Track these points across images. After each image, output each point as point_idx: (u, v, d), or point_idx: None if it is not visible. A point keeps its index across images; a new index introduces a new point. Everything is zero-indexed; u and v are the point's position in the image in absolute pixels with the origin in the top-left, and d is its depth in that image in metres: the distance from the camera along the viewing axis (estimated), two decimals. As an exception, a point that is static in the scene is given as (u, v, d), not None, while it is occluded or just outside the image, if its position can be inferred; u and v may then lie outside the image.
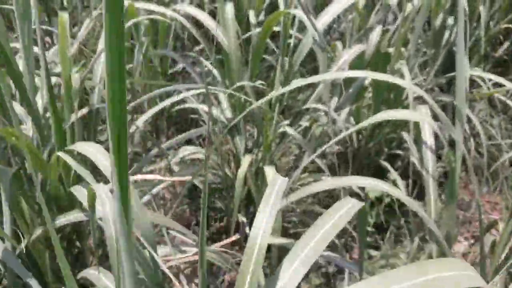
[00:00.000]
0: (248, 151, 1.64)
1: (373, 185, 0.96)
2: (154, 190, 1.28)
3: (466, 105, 1.47)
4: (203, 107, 1.57)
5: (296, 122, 1.61)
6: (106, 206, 0.77)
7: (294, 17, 1.74)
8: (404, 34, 1.79)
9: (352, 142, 2.06)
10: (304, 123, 1.57)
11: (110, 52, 0.47)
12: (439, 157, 2.12)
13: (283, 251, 1.08)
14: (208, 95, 0.95)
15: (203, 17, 1.53)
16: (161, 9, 1.54)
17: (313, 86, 2.04)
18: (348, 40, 1.98)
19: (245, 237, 1.62)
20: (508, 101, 1.82)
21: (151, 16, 1.54)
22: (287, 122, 1.66)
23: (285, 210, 1.65)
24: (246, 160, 1.38)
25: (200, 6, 2.20)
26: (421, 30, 1.87)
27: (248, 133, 1.77)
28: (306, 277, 1.61)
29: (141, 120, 1.31)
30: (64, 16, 1.05)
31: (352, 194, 1.63)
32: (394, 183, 1.79)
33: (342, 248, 1.50)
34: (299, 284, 0.74)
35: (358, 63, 1.70)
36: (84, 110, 1.14)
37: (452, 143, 1.13)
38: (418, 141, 1.57)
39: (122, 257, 0.59)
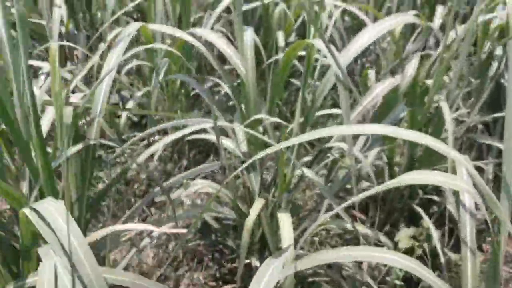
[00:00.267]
0: (264, 188, 1.48)
1: (395, 262, 0.78)
2: (155, 233, 1.15)
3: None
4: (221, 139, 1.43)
5: (317, 161, 1.44)
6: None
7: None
8: (445, 65, 1.59)
9: (383, 180, 1.87)
10: (327, 161, 1.40)
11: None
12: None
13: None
14: (217, 130, 0.80)
15: (220, 42, 1.39)
16: (178, 32, 1.41)
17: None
18: (384, 67, 1.80)
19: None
20: None
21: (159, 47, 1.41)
22: (307, 159, 1.49)
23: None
24: (257, 206, 1.22)
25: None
26: (465, 59, 1.67)
27: (265, 167, 1.61)
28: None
29: (146, 154, 1.18)
30: (54, 48, 0.93)
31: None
32: (428, 232, 1.58)
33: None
34: None
35: (392, 96, 1.52)
36: (73, 149, 1.01)
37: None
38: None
39: None
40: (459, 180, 0.81)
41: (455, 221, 1.39)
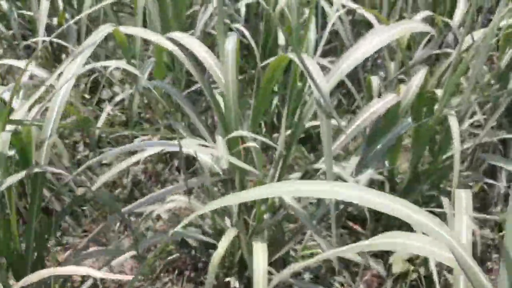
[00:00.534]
0: (246, 207, 1.34)
1: None
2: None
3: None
4: (198, 154, 1.29)
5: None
6: None
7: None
8: (458, 74, 1.40)
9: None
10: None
11: None
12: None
13: None
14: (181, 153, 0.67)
15: (200, 49, 1.23)
16: (154, 37, 1.26)
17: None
18: (391, 72, 1.61)
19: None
20: None
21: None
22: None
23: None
24: (227, 238, 1.08)
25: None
26: (481, 68, 1.47)
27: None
28: None
29: (102, 180, 1.05)
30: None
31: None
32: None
33: None
34: None
35: (394, 111, 1.34)
36: (11, 179, 0.88)
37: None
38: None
39: None
40: (445, 247, 0.65)
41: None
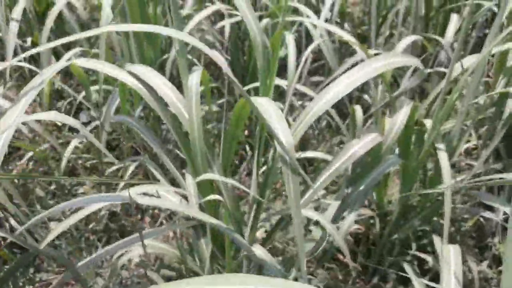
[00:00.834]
0: (220, 251, 1.21)
1: None
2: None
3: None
4: (166, 198, 1.15)
5: (281, 228, 1.15)
6: None
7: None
8: (448, 107, 1.27)
9: (373, 227, 1.57)
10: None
11: None
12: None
13: None
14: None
15: (161, 84, 1.10)
16: (114, 71, 1.12)
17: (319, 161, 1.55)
18: (376, 101, 1.48)
19: None
20: None
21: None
22: (261, 232, 1.21)
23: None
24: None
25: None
26: (472, 98, 1.34)
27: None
28: None
29: (52, 235, 0.91)
30: None
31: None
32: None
33: None
34: None
35: (377, 148, 1.21)
36: None
37: None
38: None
39: None
40: None
41: None
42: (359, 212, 1.21)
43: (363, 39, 2.39)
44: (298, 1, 2.32)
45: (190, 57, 1.73)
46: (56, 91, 2.19)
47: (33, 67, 1.68)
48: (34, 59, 2.13)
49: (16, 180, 1.52)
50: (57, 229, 0.88)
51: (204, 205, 1.13)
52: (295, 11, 1.94)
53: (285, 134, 0.80)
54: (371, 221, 1.58)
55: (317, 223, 1.24)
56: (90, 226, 1.72)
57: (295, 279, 1.12)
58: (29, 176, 1.31)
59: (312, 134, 2.05)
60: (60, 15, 1.98)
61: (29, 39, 2.06)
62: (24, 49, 1.97)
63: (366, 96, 2.13)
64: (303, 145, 2.00)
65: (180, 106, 1.09)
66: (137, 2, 1.51)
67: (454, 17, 2.21)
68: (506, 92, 1.43)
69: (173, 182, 1.30)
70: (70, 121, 1.01)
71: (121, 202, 0.96)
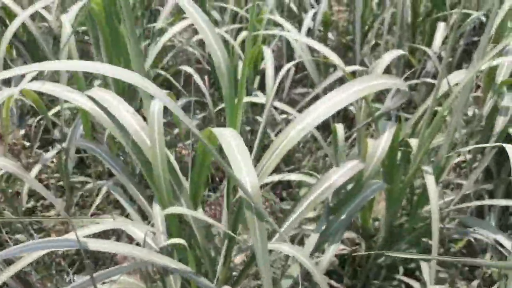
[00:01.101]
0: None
1: None
2: None
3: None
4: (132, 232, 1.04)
5: (253, 266, 1.04)
6: None
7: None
8: (436, 127, 1.17)
9: (359, 247, 1.47)
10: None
11: None
12: None
13: None
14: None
15: (122, 109, 0.99)
16: (69, 93, 1.01)
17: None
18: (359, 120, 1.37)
19: None
20: None
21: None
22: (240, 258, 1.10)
23: None
24: None
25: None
26: (460, 117, 1.24)
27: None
28: None
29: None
30: None
31: None
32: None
33: None
34: None
35: (360, 174, 1.11)
36: None
37: None
38: None
39: None
40: None
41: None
42: (343, 238, 1.11)
43: (348, 48, 2.29)
44: (281, 10, 2.22)
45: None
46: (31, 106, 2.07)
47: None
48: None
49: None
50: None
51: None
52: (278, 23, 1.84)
53: (250, 176, 0.69)
54: (357, 240, 1.48)
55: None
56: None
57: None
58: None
59: (296, 146, 1.95)
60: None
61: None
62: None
63: (351, 107, 2.03)
64: (287, 157, 1.89)
65: (143, 133, 0.98)
66: (105, 19, 1.40)
67: (441, 26, 2.12)
68: (496, 107, 1.34)
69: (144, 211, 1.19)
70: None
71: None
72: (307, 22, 1.89)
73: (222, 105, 1.73)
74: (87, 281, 0.86)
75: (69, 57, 1.35)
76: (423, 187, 1.32)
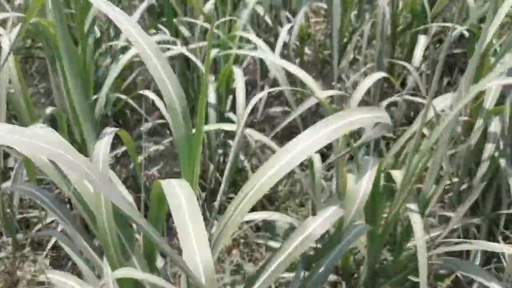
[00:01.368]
0: None
1: None
2: None
3: None
4: None
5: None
6: None
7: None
8: (423, 160, 1.04)
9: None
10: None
11: None
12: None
13: None
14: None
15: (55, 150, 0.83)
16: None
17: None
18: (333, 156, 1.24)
19: None
20: None
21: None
22: None
23: None
24: None
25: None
26: (446, 148, 1.11)
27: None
28: None
29: None
30: None
31: None
32: None
33: None
34: None
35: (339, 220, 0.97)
36: None
37: None
38: None
39: None
40: None
41: None
42: None
43: (326, 63, 2.16)
44: (257, 24, 2.07)
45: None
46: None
47: None
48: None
49: None
50: None
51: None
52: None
53: (202, 253, 0.54)
54: (337, 280, 1.35)
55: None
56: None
57: None
58: None
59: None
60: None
61: None
62: None
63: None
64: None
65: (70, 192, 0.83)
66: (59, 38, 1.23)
67: (421, 39, 2.01)
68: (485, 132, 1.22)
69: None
70: None
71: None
72: (283, 36, 1.75)
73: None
74: None
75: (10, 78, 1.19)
76: (407, 221, 1.20)
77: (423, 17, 2.03)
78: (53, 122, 1.57)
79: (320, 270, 0.93)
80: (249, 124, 1.99)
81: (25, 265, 1.31)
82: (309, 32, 2.18)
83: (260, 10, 1.93)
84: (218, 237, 0.78)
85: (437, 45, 2.39)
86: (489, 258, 1.42)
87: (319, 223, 0.84)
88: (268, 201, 1.63)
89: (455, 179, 1.22)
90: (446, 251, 1.10)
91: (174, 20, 1.52)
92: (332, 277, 1.23)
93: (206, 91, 0.70)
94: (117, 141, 1.95)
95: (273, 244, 1.34)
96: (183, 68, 1.73)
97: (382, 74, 1.19)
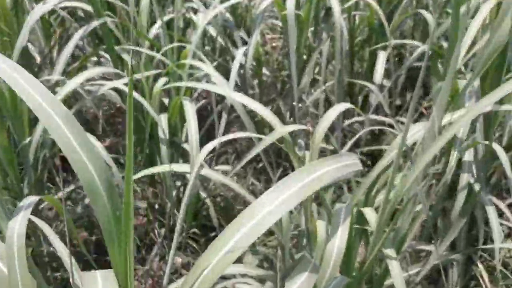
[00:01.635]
0: None
1: None
2: None
3: None
4: None
5: None
6: None
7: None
8: (391, 209, 0.93)
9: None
10: None
11: None
12: None
13: None
14: None
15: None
16: None
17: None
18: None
19: None
20: None
21: None
22: None
23: None
24: None
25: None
26: (421, 189, 1.01)
27: None
28: None
29: None
30: None
31: None
32: None
33: None
34: None
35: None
36: None
37: None
38: None
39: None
40: None
41: None
42: None
43: (284, 83, 2.05)
44: (211, 46, 1.94)
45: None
46: None
47: None
48: None
49: None
50: None
51: None
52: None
53: None
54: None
55: None
56: None
57: None
58: None
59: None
60: None
61: None
62: None
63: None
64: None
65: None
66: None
67: (381, 55, 1.94)
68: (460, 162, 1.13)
69: None
70: None
71: None
72: (238, 59, 1.62)
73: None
74: None
75: None
76: (385, 262, 1.09)
77: (381, 32, 1.96)
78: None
79: None
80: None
81: None
82: (266, 50, 2.07)
83: (212, 31, 1.80)
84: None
85: (397, 58, 2.34)
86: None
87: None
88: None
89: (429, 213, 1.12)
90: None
91: (116, 47, 1.36)
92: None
93: (130, 168, 0.55)
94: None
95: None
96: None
97: (346, 105, 1.08)
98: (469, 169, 1.11)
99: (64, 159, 1.73)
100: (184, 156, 1.59)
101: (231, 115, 1.93)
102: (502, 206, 1.23)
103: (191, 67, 1.40)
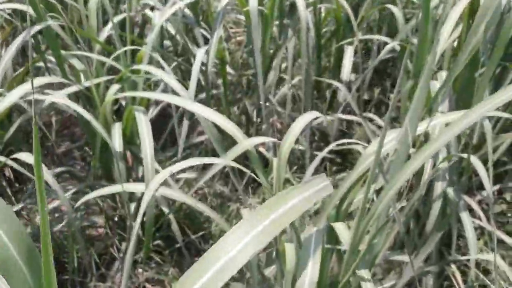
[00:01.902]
0: None
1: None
2: None
3: None
4: None
5: None
6: None
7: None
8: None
9: None
10: None
11: None
12: None
13: None
14: None
15: None
16: None
17: None
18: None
19: None
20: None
21: None
22: None
23: None
24: None
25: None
26: (395, 205, 0.95)
27: None
28: None
29: None
30: None
31: None
32: None
33: None
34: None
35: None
36: None
37: None
38: None
39: None
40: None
41: None
42: None
43: (250, 82, 1.96)
44: (173, 46, 1.82)
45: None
46: None
47: None
48: None
49: None
50: None
51: None
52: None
53: None
54: None
55: None
56: None
57: None
58: None
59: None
60: None
61: None
62: None
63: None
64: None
65: None
66: None
67: (348, 50, 1.87)
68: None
69: None
70: None
71: None
72: (199, 59, 1.52)
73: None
74: None
75: None
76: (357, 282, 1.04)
77: (349, 26, 1.90)
78: None
79: None
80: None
81: None
82: (230, 48, 1.97)
83: (172, 28, 1.68)
84: None
85: (364, 51, 2.28)
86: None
87: None
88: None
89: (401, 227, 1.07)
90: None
91: (63, 52, 1.24)
92: None
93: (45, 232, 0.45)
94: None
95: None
96: (85, 103, 1.44)
97: (314, 114, 1.00)
98: (443, 178, 1.06)
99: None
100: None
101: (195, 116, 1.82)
102: (473, 204, 1.20)
103: (151, 63, 1.29)
